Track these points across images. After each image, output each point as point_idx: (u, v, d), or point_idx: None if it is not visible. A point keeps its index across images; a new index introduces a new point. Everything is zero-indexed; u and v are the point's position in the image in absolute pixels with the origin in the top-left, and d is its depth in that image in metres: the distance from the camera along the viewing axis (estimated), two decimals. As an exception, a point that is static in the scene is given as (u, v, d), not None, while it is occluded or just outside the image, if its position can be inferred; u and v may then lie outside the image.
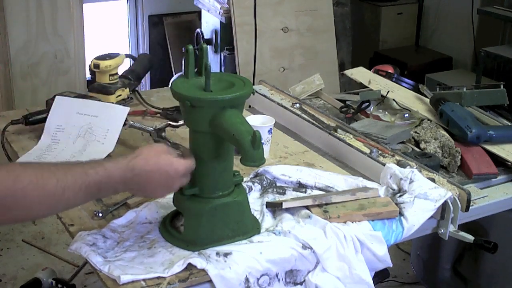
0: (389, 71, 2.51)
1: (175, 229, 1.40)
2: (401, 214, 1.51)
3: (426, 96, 2.25)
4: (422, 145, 1.94)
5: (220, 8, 3.69)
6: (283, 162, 1.80)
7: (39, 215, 1.19)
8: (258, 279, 1.32)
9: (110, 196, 1.24)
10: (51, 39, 3.23)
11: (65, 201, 1.17)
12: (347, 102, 2.28)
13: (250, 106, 2.26)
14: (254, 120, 1.80)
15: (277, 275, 1.35)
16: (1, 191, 1.09)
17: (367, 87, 2.35)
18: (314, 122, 2.04)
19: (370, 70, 2.54)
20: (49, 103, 1.90)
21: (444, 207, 1.57)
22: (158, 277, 1.26)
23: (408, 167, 1.68)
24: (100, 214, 1.50)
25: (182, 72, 1.38)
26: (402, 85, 2.40)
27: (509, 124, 2.15)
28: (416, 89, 2.37)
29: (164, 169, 1.24)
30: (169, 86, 1.40)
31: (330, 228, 1.41)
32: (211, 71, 1.31)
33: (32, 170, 1.14)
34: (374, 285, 1.43)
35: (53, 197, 1.14)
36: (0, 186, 1.09)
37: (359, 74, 2.47)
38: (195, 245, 1.35)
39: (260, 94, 2.26)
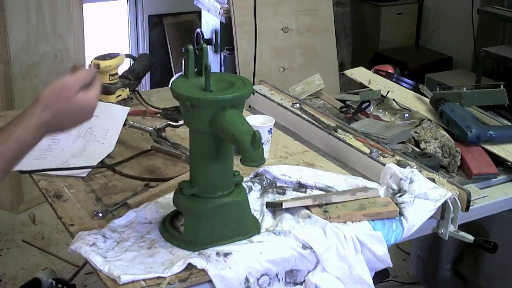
0: (389, 71, 2.51)
1: (175, 229, 1.40)
2: (401, 214, 1.51)
3: (426, 96, 2.25)
4: (422, 145, 1.94)
5: (220, 8, 3.69)
6: (283, 162, 1.79)
7: None
8: (258, 279, 1.32)
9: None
10: (51, 39, 3.22)
11: None
12: (347, 102, 2.28)
13: (250, 106, 2.26)
14: (254, 120, 1.79)
15: (277, 275, 1.35)
16: None
17: (367, 87, 2.35)
18: (314, 122, 2.03)
19: (370, 70, 2.54)
20: (49, 103, 1.90)
21: (444, 207, 1.57)
22: (158, 277, 1.26)
23: (408, 167, 1.68)
24: (100, 214, 1.50)
25: (182, 72, 1.38)
26: (402, 85, 2.40)
27: (509, 124, 2.15)
28: (416, 89, 2.37)
29: (74, 107, 1.23)
30: (169, 86, 1.40)
31: (330, 228, 1.41)
32: (211, 71, 1.31)
33: None
34: (374, 285, 1.43)
35: None
36: None
37: (359, 74, 2.47)
38: (195, 245, 1.35)
39: (260, 94, 2.25)
